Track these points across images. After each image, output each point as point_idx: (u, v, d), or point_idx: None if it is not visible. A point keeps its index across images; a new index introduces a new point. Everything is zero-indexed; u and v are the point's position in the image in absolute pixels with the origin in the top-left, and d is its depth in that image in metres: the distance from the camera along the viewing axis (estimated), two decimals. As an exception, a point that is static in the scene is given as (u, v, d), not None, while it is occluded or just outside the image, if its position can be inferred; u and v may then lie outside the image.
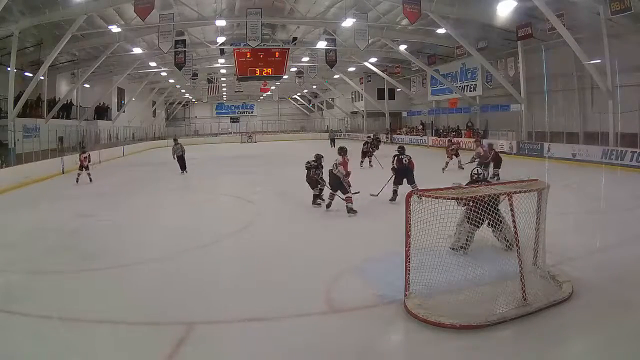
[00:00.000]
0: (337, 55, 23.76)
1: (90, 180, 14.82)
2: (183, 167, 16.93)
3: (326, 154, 10.10)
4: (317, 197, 9.63)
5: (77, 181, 14.62)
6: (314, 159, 9.65)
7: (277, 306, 4.69)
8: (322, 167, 9.53)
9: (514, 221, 4.44)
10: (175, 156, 17.04)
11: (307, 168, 9.68)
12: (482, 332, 3.97)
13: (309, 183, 9.68)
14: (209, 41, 24.30)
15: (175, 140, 18.04)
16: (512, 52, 22.22)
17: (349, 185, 8.89)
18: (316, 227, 8.20)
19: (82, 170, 14.86)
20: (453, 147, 15.53)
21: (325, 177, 9.41)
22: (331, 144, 29.64)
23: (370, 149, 17.82)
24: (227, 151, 31.16)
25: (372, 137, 19.91)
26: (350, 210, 8.66)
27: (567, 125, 18.85)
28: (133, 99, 35.09)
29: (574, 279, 4.91)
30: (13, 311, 4.62)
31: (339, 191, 8.92)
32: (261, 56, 23.42)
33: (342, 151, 9.30)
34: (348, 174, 9.07)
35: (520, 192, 4.61)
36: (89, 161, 15.29)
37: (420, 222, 4.59)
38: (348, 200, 8.70)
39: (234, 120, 57.08)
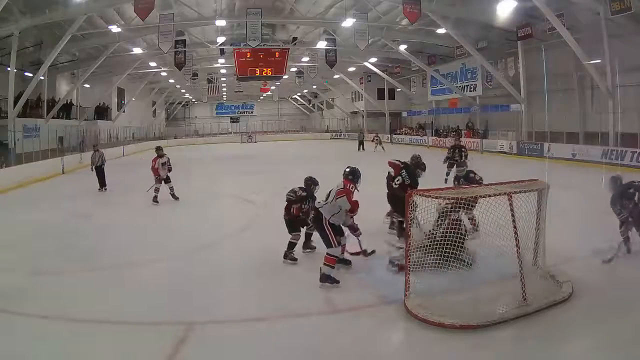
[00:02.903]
0: (337, 55, 23.78)
1: (176, 197, 10.94)
2: (102, 182, 12.85)
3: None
4: (309, 237, 6.46)
5: (156, 200, 10.67)
6: (302, 186, 6.26)
7: (277, 306, 4.69)
8: (313, 198, 6.20)
9: (513, 221, 4.44)
10: (93, 167, 12.93)
11: (288, 200, 6.20)
12: (482, 332, 3.97)
13: (286, 222, 6.23)
14: (209, 41, 24.32)
15: (94, 147, 13.79)
16: (512, 52, 22.23)
17: (355, 230, 5.64)
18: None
19: (160, 182, 10.75)
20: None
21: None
22: (359, 147, 26.11)
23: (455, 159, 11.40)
24: (227, 151, 31.13)
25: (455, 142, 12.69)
26: (325, 279, 5.16)
27: (567, 125, 18.86)
28: (133, 99, 35.11)
29: (574, 279, 4.91)
30: (13, 311, 4.62)
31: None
32: (261, 56, 23.43)
33: (352, 175, 5.62)
34: (353, 210, 5.49)
35: (520, 192, 4.62)
36: (170, 169, 10.95)
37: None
38: (328, 260, 5.19)
39: (234, 120, 57.08)
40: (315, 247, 6.38)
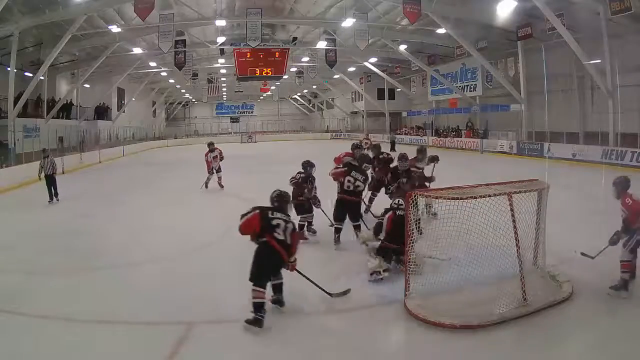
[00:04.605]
0: (337, 55, 23.76)
1: (222, 186, 12.61)
2: (53, 192, 11.28)
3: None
4: (304, 227, 7.05)
5: (206, 186, 12.57)
6: (300, 170, 7.07)
7: (277, 306, 4.68)
8: (313, 178, 7.06)
9: (513, 221, 4.44)
10: (41, 176, 11.46)
11: (293, 184, 6.94)
12: (482, 332, 3.97)
13: (295, 207, 6.45)
14: (209, 41, 24.31)
15: (44, 152, 11.87)
16: (512, 52, 22.22)
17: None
18: (316, 226, 8.15)
19: (212, 173, 12.60)
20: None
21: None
22: (391, 147, 25.32)
23: None
24: (227, 151, 31.07)
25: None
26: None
27: (567, 125, 18.86)
28: (133, 99, 35.08)
29: (574, 279, 4.91)
30: (13, 311, 4.62)
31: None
32: (261, 56, 23.42)
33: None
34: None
35: (520, 192, 4.61)
36: (221, 158, 12.70)
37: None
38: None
39: (234, 120, 57.06)
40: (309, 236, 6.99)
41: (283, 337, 4.12)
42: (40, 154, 12.10)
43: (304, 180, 6.93)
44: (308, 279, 4.72)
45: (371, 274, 5.33)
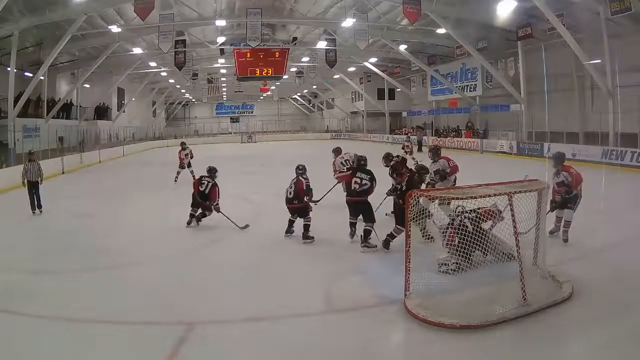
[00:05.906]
0: (337, 55, 23.77)
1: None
2: (37, 202, 9.87)
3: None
4: (309, 227, 7.17)
5: (175, 180, 14.11)
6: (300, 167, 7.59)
7: (277, 306, 4.69)
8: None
9: (513, 221, 4.45)
10: (25, 181, 9.90)
11: (298, 174, 7.41)
12: (482, 332, 3.97)
13: (290, 208, 7.25)
14: (209, 41, 24.31)
15: (30, 155, 10.53)
16: (512, 52, 22.23)
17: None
18: (316, 227, 8.16)
19: (182, 168, 14.33)
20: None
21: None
22: (419, 147, 25.16)
23: None
24: (226, 151, 31.13)
25: None
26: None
27: (567, 125, 18.86)
28: (133, 99, 35.08)
29: (574, 279, 4.91)
30: (13, 311, 4.62)
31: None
32: (261, 56, 23.41)
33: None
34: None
35: (520, 192, 4.62)
36: (191, 156, 14.48)
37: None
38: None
39: (234, 120, 57.08)
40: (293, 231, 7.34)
41: (283, 336, 4.13)
42: (26, 155, 10.66)
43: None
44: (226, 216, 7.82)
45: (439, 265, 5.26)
